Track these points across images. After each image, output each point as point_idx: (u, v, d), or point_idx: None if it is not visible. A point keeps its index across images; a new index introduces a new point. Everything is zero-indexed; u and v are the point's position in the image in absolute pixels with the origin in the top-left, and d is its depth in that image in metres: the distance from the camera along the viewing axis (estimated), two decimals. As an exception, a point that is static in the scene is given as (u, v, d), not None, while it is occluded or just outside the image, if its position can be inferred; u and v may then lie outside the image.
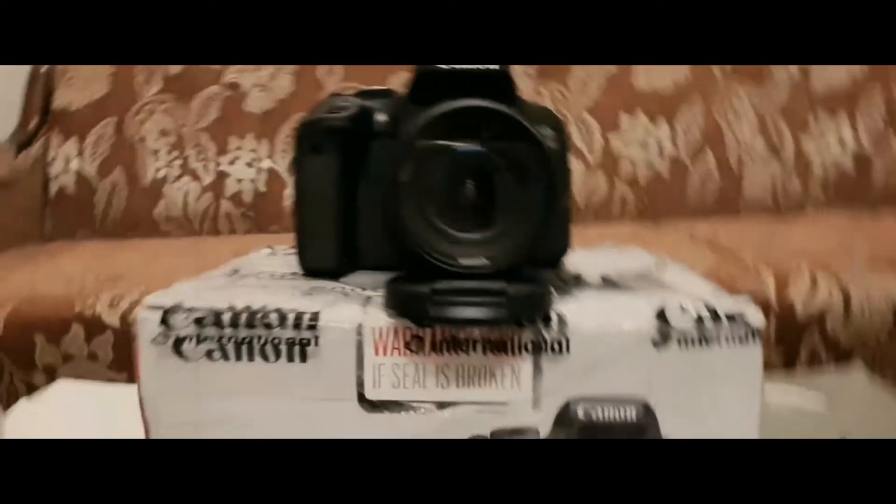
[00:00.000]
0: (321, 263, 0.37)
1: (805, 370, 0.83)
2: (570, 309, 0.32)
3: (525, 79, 1.23)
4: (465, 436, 0.32)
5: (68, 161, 1.21)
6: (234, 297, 0.32)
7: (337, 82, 1.20)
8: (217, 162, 1.19)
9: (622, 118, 1.24)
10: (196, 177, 1.19)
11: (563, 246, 0.38)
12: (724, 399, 0.32)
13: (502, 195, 0.32)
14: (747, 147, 1.26)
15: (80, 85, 1.24)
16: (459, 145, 0.32)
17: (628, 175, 1.22)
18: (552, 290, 0.32)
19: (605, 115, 1.23)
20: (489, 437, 0.31)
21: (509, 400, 0.32)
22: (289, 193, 1.18)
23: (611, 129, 1.23)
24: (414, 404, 0.32)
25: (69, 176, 1.21)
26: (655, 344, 0.31)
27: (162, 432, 0.32)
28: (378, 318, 0.32)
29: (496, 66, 0.34)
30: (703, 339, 0.31)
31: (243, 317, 0.31)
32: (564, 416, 0.31)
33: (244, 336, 0.31)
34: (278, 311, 0.31)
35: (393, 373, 0.31)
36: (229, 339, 0.31)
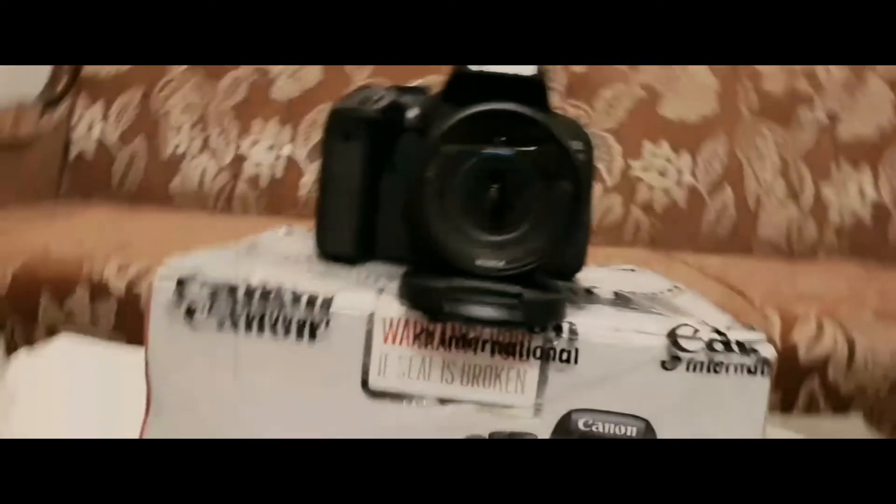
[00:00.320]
0: (338, 249, 0.38)
1: (802, 415, 0.83)
2: (582, 320, 0.32)
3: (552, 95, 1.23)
4: (462, 434, 0.32)
5: (91, 126, 1.22)
6: (251, 271, 0.32)
7: (365, 77, 1.21)
8: (238, 143, 1.20)
9: (645, 144, 1.24)
10: (215, 155, 1.19)
11: (579, 260, 0.38)
12: (725, 428, 0.32)
13: (526, 201, 0.32)
14: (767, 187, 1.26)
15: (112, 52, 1.25)
16: (488, 148, 0.32)
17: (644, 201, 1.22)
18: (566, 299, 0.32)
19: (629, 139, 1.23)
20: (487, 438, 0.31)
21: (512, 403, 0.32)
22: (305, 182, 1.19)
23: (632, 154, 1.23)
24: (416, 397, 0.32)
25: (90, 141, 1.22)
26: (664, 365, 0.31)
27: (163, 397, 0.32)
28: (390, 308, 0.32)
29: (532, 73, 0.34)
30: (712, 366, 0.31)
31: (258, 292, 0.31)
32: (564, 426, 0.31)
33: (257, 311, 0.31)
34: (293, 289, 0.32)
35: (399, 363, 0.31)
36: (242, 312, 0.31)
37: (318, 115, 1.20)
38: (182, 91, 1.23)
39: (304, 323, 0.31)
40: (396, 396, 0.32)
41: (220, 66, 1.23)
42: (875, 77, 1.32)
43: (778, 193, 1.27)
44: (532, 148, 0.32)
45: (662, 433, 0.31)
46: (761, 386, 0.32)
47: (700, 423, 0.31)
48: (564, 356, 0.31)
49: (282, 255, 0.38)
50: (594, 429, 0.31)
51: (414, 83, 0.41)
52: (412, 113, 0.38)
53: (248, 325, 0.31)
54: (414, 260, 0.35)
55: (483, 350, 0.31)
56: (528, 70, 0.34)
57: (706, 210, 1.24)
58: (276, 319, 0.31)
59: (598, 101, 1.26)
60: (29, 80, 1.22)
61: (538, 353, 0.31)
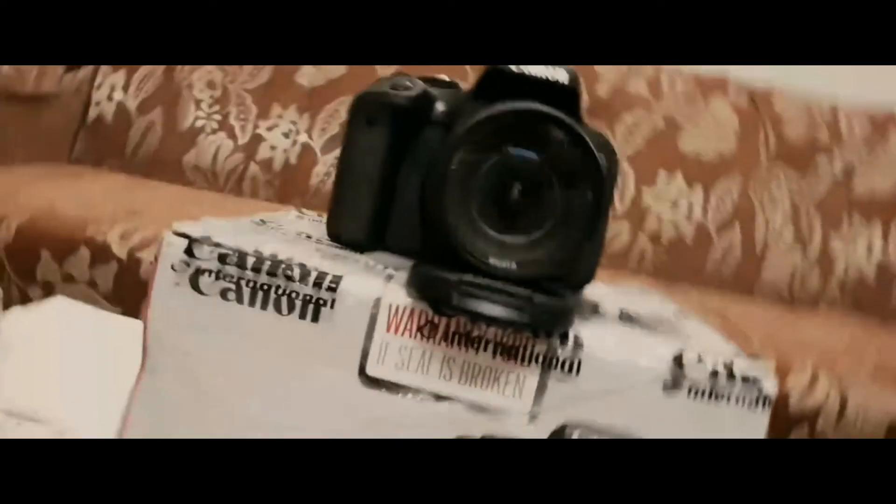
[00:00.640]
0: (350, 234, 0.37)
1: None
2: (588, 332, 0.31)
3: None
4: (454, 434, 0.31)
5: (113, 90, 1.22)
6: (262, 243, 0.32)
7: (391, 70, 1.21)
8: (256, 125, 1.20)
9: (660, 174, 1.24)
10: (232, 135, 1.19)
11: (589, 272, 0.38)
12: (719, 458, 0.31)
13: (545, 205, 0.32)
14: (775, 232, 1.26)
15: (142, 20, 1.25)
16: (513, 148, 0.32)
17: (653, 231, 1.22)
18: (574, 309, 0.32)
19: (644, 167, 1.23)
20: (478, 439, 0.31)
21: (507, 408, 0.31)
22: (318, 171, 1.19)
23: (646, 182, 1.23)
24: (412, 389, 0.31)
25: (110, 105, 1.22)
26: (665, 387, 0.31)
27: (159, 356, 0.31)
28: (397, 296, 0.31)
29: (566, 79, 0.34)
30: (714, 394, 0.31)
31: (267, 264, 0.31)
32: (558, 436, 0.31)
33: (264, 283, 0.31)
34: (302, 266, 0.31)
35: (399, 353, 0.31)
36: (248, 282, 0.31)
37: (340, 107, 1.20)
38: (206, 66, 1.23)
39: (310, 301, 0.31)
40: (392, 387, 0.31)
41: (248, 47, 1.23)
42: (896, 134, 1.32)
43: (786, 239, 1.26)
44: (559, 151, 0.31)
45: (656, 455, 0.30)
46: (760, 421, 0.31)
47: (694, 450, 0.31)
48: (566, 366, 0.31)
49: (293, 233, 0.37)
50: (588, 443, 0.30)
51: (444, 78, 0.41)
52: (440, 106, 0.38)
53: (253, 297, 0.31)
54: (425, 252, 0.34)
55: (485, 350, 0.31)
56: (562, 76, 0.34)
57: (712, 247, 1.24)
58: (282, 294, 0.31)
59: (619, 125, 1.26)
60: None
61: (540, 359, 0.31)
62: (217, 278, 0.31)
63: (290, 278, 0.31)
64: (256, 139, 1.20)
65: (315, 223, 0.43)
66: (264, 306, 0.31)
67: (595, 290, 0.41)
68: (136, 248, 0.83)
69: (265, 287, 0.31)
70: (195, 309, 0.31)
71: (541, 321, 0.30)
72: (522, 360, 0.31)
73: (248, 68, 1.23)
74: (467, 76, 0.40)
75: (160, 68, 1.23)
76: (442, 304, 0.30)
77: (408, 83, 0.39)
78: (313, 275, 0.31)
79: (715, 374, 0.31)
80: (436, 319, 0.31)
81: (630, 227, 1.21)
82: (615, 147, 0.38)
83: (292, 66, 1.23)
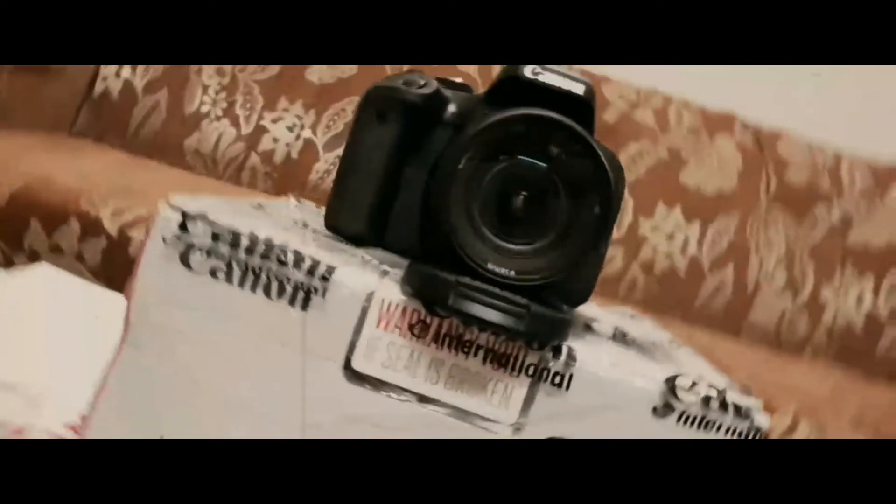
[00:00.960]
0: (348, 227, 0.37)
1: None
2: (582, 348, 0.31)
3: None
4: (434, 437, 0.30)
5: (121, 67, 1.21)
6: (257, 226, 0.31)
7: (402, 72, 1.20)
8: (261, 115, 1.19)
9: (659, 205, 1.24)
10: (236, 123, 1.19)
11: (586, 290, 0.37)
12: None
13: (550, 215, 0.31)
14: (768, 274, 1.26)
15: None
16: (523, 154, 0.32)
17: (646, 261, 1.22)
18: (572, 322, 0.31)
19: (644, 197, 1.23)
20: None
21: (492, 417, 0.30)
22: (318, 168, 1.18)
23: (644, 212, 1.23)
24: (397, 389, 0.30)
25: (117, 81, 1.21)
26: (655, 411, 0.30)
27: (141, 329, 0.31)
28: (391, 292, 0.31)
29: (582, 91, 0.33)
30: (705, 423, 0.30)
31: (261, 246, 0.30)
32: (541, 451, 0.30)
33: (255, 265, 0.30)
34: (296, 252, 0.30)
35: (387, 351, 0.30)
36: (240, 263, 0.30)
37: (347, 106, 1.19)
38: (217, 54, 1.22)
39: (301, 288, 0.30)
40: (377, 384, 0.30)
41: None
42: (896, 190, 1.33)
43: (778, 282, 1.26)
44: (568, 162, 0.31)
45: (638, 480, 0.30)
46: (747, 454, 0.31)
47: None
48: (557, 380, 0.30)
49: (290, 220, 0.37)
50: (571, 460, 0.30)
51: (458, 79, 0.40)
52: (452, 108, 0.37)
53: (243, 279, 0.30)
54: (423, 253, 0.34)
55: (475, 356, 0.30)
56: (577, 87, 0.33)
57: (704, 284, 1.24)
58: (273, 278, 0.30)
59: (623, 153, 1.26)
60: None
61: (531, 370, 0.30)
62: (208, 256, 0.30)
63: (282, 263, 0.30)
64: (260, 130, 1.19)
65: (313, 214, 0.42)
66: (254, 289, 0.30)
67: (589, 309, 0.40)
68: (127, 226, 0.82)
69: (256, 270, 0.30)
70: (183, 285, 0.30)
71: (537, 331, 0.29)
72: (513, 369, 0.30)
73: (259, 59, 1.22)
74: (478, 85, 0.40)
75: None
76: (437, 303, 0.30)
77: (421, 81, 0.38)
78: (307, 262, 0.30)
79: (707, 401, 0.30)
80: (428, 319, 0.30)
81: (624, 254, 1.21)
82: (621, 164, 0.38)
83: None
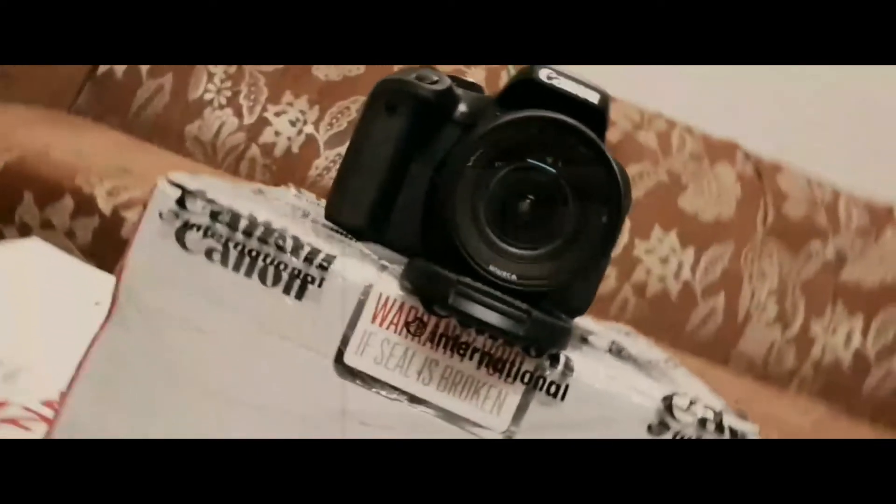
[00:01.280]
0: (348, 219, 0.36)
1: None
2: (580, 359, 0.30)
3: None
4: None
5: (127, 48, 1.20)
6: (257, 209, 0.31)
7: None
8: (265, 107, 1.19)
9: (655, 228, 1.23)
10: (239, 113, 1.18)
11: (585, 301, 0.37)
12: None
13: (556, 222, 0.31)
14: (759, 305, 1.26)
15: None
16: (533, 158, 0.31)
17: (639, 282, 1.22)
18: (571, 331, 0.31)
19: (641, 218, 1.23)
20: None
21: (483, 423, 0.30)
22: (318, 164, 1.17)
23: (640, 233, 1.23)
24: (387, 387, 0.30)
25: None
26: (650, 428, 0.29)
27: (129, 306, 0.30)
28: (389, 287, 0.30)
29: (596, 100, 0.33)
30: (698, 443, 0.30)
31: (260, 229, 0.30)
32: (530, 461, 0.29)
33: (253, 248, 0.29)
34: (295, 238, 0.30)
35: (380, 347, 0.30)
36: (237, 245, 0.29)
37: (352, 104, 1.19)
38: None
39: (297, 275, 0.29)
40: (368, 380, 0.30)
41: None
42: (892, 231, 1.33)
43: (769, 314, 1.26)
44: (579, 168, 0.30)
45: (628, 498, 0.29)
46: (740, 480, 0.30)
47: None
48: (552, 389, 0.29)
49: (290, 207, 0.36)
50: (560, 473, 0.29)
51: (470, 79, 0.40)
52: (463, 107, 0.37)
53: (239, 262, 0.29)
54: (424, 250, 0.33)
55: (470, 359, 0.30)
56: (592, 95, 0.33)
57: (695, 310, 1.24)
58: (270, 264, 0.29)
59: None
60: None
61: (526, 377, 0.30)
62: (205, 235, 0.29)
63: (281, 248, 0.30)
64: (262, 122, 1.18)
65: (312, 204, 0.42)
66: (249, 273, 0.29)
67: (584, 322, 0.40)
68: (121, 206, 0.81)
69: (253, 253, 0.29)
70: (176, 265, 0.30)
71: (537, 337, 0.29)
72: (508, 375, 0.30)
73: (266, 51, 1.22)
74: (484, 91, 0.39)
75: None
76: (436, 301, 0.29)
77: (434, 77, 0.38)
78: (306, 249, 0.30)
79: (703, 422, 0.30)
80: (426, 318, 0.30)
81: (618, 273, 1.21)
82: (628, 178, 0.37)
83: (311, 56, 1.22)
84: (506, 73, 1.19)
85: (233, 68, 1.20)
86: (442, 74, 0.38)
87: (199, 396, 0.30)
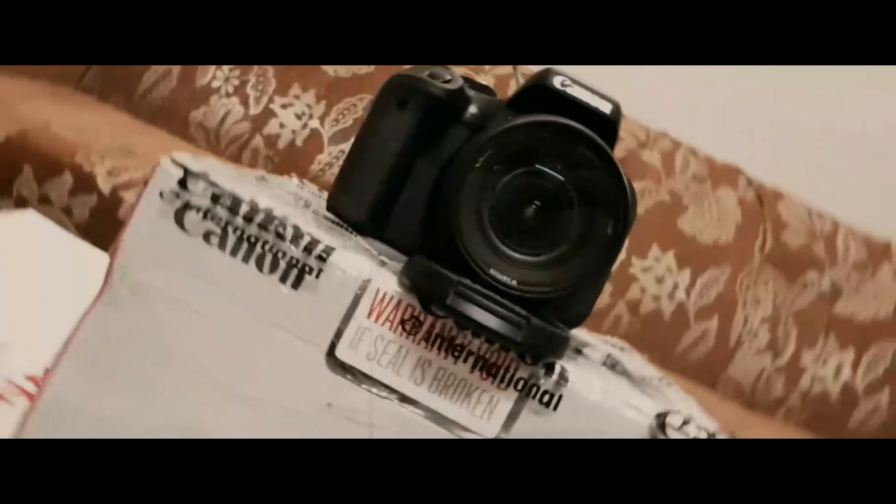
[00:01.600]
0: (351, 213, 0.35)
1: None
2: (575, 370, 0.30)
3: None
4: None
5: (138, 29, 1.20)
6: (258, 195, 0.30)
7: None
8: (271, 99, 1.18)
9: (653, 247, 1.23)
10: (245, 103, 1.17)
11: (583, 312, 0.36)
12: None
13: (561, 229, 0.30)
14: (751, 331, 1.26)
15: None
16: (541, 163, 0.31)
17: (633, 300, 1.21)
18: (569, 341, 0.30)
19: (639, 237, 1.23)
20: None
21: (472, 428, 0.29)
22: (321, 158, 1.17)
23: (637, 251, 1.22)
24: (378, 385, 0.29)
25: (132, 43, 1.19)
26: (642, 444, 0.29)
27: (122, 286, 0.29)
28: (387, 283, 0.29)
29: (608, 110, 0.33)
30: (689, 463, 0.29)
31: (260, 215, 0.29)
32: (518, 470, 0.29)
33: (252, 234, 0.29)
34: (296, 227, 0.29)
35: (374, 343, 0.29)
36: (236, 229, 0.29)
37: (359, 102, 1.19)
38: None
39: (295, 265, 0.29)
40: (359, 376, 0.29)
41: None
42: (889, 267, 1.33)
43: (760, 341, 1.26)
44: (587, 176, 0.30)
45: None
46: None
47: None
48: (545, 398, 0.29)
49: (293, 196, 0.36)
50: (547, 483, 0.28)
51: (482, 81, 0.40)
52: (474, 108, 0.36)
53: (237, 247, 0.29)
54: (425, 249, 0.33)
55: (465, 361, 0.29)
56: (604, 105, 0.33)
57: (687, 332, 1.23)
58: (268, 251, 0.29)
59: (626, 190, 1.26)
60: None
61: (520, 385, 0.29)
62: (204, 217, 0.29)
63: (280, 236, 0.29)
64: (268, 113, 1.18)
65: (314, 195, 0.41)
66: (246, 259, 0.29)
67: (580, 334, 0.39)
68: (120, 187, 0.80)
69: (252, 239, 0.29)
70: (173, 246, 0.29)
71: (534, 343, 0.28)
72: (501, 381, 0.29)
73: (277, 42, 1.21)
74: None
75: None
76: (435, 300, 0.29)
77: (447, 76, 0.37)
78: (305, 238, 0.29)
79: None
80: (422, 317, 0.29)
81: (612, 290, 1.20)
82: (634, 191, 0.37)
83: (322, 51, 1.21)
84: (514, 83, 1.19)
85: (242, 57, 1.20)
86: (455, 74, 0.38)
87: (186, 379, 0.29)
